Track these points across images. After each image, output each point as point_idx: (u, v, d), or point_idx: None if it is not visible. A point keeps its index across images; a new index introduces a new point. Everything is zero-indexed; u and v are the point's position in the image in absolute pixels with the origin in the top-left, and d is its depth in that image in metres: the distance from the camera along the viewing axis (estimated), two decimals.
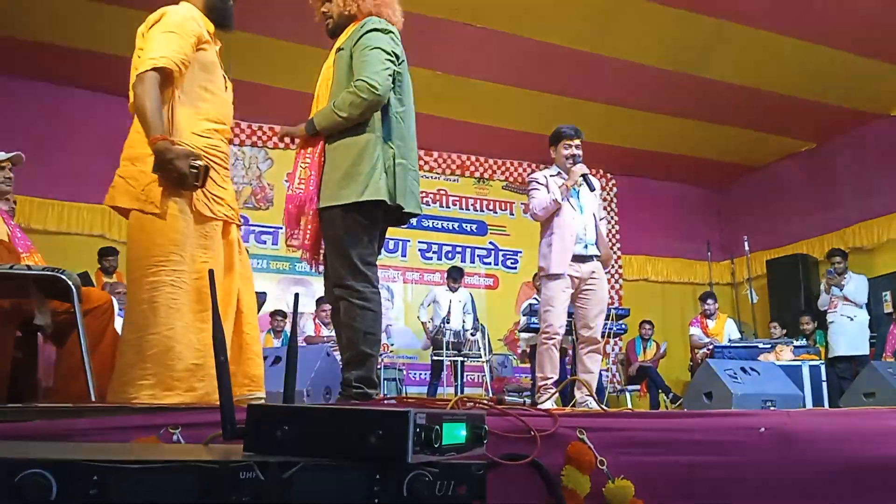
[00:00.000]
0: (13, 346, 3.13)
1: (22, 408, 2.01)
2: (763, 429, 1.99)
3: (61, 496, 0.65)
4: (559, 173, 4.54)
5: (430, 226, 9.58)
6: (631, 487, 1.79)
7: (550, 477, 1.77)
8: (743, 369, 4.29)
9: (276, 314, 7.95)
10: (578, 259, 4.37)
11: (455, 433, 0.89)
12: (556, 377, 4.43)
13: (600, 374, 5.68)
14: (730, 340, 7.26)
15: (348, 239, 2.63)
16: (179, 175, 2.34)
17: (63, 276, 2.61)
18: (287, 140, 2.81)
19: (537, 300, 7.95)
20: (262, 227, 8.95)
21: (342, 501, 0.77)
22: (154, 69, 2.42)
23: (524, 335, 7.79)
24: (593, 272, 4.41)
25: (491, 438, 1.81)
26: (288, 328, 8.59)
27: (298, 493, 0.75)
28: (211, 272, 1.09)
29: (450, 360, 7.53)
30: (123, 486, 0.68)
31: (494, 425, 1.80)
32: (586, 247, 4.42)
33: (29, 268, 2.70)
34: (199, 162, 2.37)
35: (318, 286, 9.08)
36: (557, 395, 5.27)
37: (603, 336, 4.65)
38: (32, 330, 3.17)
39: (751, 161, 9.88)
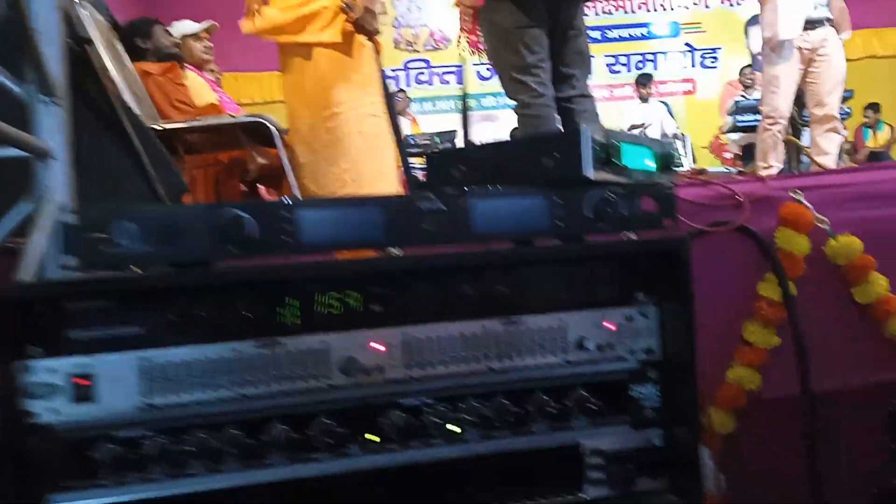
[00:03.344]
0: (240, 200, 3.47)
1: None
2: None
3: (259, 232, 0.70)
4: None
5: (616, 36, 8.97)
6: (857, 243, 1.63)
7: (763, 241, 1.66)
8: None
9: None
10: (807, 25, 3.75)
11: (639, 158, 0.84)
12: (780, 167, 4.02)
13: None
14: None
15: (499, 51, 2.52)
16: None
17: (265, 121, 2.81)
18: None
19: (744, 97, 7.27)
20: (445, 66, 8.93)
21: (525, 228, 0.76)
22: None
23: (732, 136, 7.24)
24: (825, 39, 3.78)
25: (695, 209, 1.72)
26: None
27: (479, 221, 0.75)
28: None
29: None
30: (315, 219, 0.72)
31: (698, 195, 1.71)
32: (816, 7, 3.74)
33: (233, 117, 2.94)
34: None
35: (505, 119, 9.03)
36: None
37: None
38: (253, 181, 3.49)
39: None
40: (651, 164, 0.86)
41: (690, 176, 1.85)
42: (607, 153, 0.76)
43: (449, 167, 0.85)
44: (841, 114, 5.91)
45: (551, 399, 0.74)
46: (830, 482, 1.66)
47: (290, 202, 0.71)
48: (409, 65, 9.17)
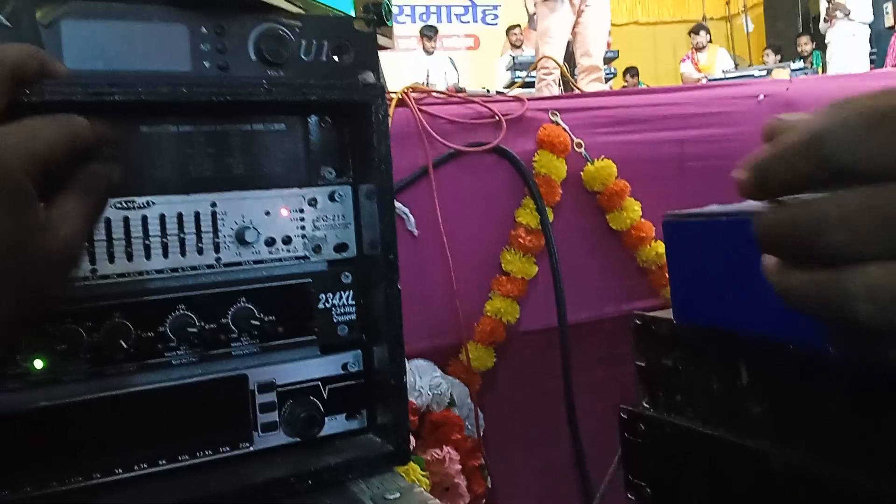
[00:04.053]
0: None
1: None
2: (762, 96, 1.74)
3: None
4: None
5: None
6: (613, 167, 1.58)
7: (520, 164, 1.55)
8: None
9: None
10: None
11: None
12: None
13: None
14: (723, 72, 6.87)
15: None
16: None
17: None
18: None
19: (513, 56, 7.45)
20: None
21: (149, 65, 0.52)
22: None
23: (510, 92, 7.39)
24: None
25: (453, 127, 1.58)
26: None
27: (73, 51, 0.49)
28: None
29: None
30: None
31: (456, 113, 1.56)
32: None
33: None
34: None
35: None
36: None
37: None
38: None
39: None
40: (349, 10, 0.65)
41: (449, 93, 1.70)
42: None
43: None
44: (606, 73, 6.26)
45: (198, 317, 0.51)
46: (589, 411, 1.62)
47: None
48: None
